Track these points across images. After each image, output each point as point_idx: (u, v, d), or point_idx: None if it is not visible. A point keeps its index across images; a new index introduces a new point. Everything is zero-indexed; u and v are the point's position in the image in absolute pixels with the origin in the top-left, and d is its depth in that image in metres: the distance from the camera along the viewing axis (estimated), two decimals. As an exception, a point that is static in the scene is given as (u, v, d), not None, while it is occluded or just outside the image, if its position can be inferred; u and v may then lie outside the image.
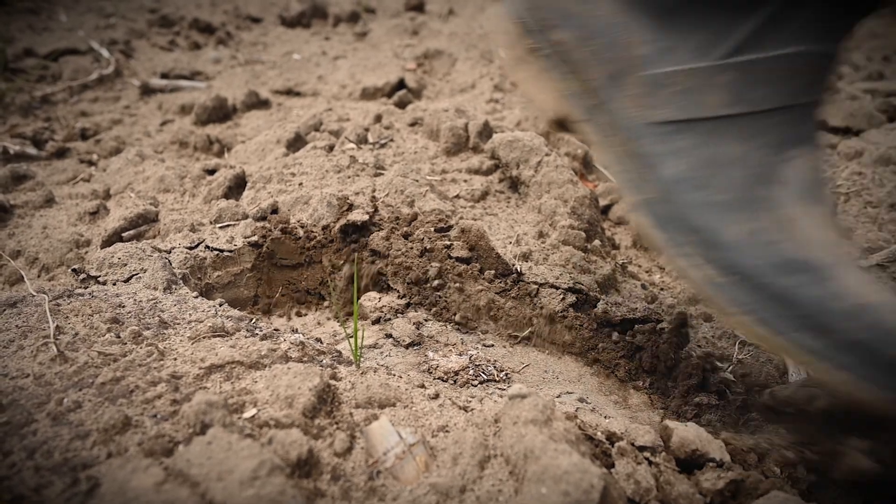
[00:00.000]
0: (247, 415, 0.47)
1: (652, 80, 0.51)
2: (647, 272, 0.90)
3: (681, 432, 0.51)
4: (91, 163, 1.13)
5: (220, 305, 0.66)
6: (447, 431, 0.49)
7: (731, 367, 0.71)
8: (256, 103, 1.41)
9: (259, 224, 0.85)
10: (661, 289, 0.85)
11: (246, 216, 0.88)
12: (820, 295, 0.46)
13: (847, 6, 0.50)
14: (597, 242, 0.86)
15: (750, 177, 0.49)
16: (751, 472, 0.50)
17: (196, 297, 0.68)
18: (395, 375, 0.57)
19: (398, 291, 0.78)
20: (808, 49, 0.49)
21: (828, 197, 0.52)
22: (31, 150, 1.12)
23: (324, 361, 0.58)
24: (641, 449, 0.50)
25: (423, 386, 0.56)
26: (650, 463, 0.50)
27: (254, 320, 0.65)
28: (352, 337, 0.58)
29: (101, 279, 0.73)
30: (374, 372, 0.57)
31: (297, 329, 0.68)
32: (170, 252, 0.78)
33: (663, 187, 0.51)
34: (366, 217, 0.82)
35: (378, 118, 1.23)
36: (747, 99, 0.49)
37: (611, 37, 0.53)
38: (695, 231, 0.49)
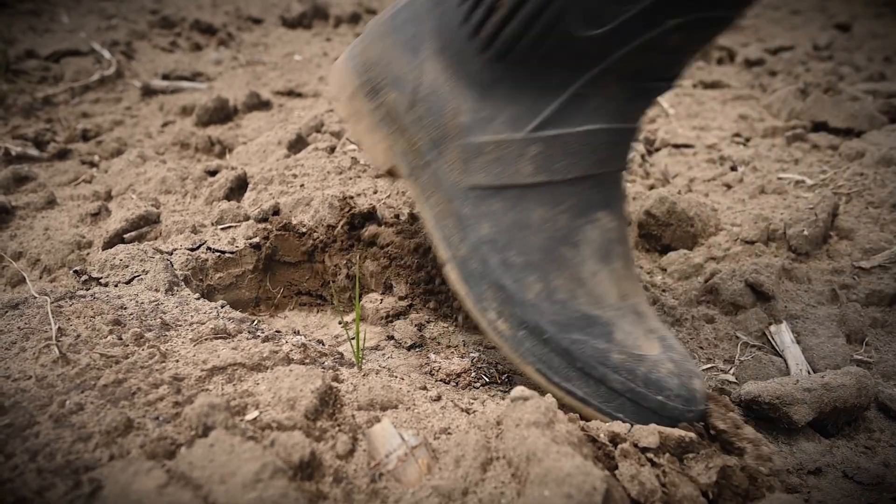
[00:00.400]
0: (249, 417, 0.47)
1: (471, 148, 0.56)
2: (648, 274, 0.89)
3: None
4: (92, 164, 1.13)
5: (222, 307, 0.66)
6: (449, 433, 0.49)
7: (732, 370, 0.71)
8: (258, 104, 1.41)
9: (261, 225, 0.85)
10: (663, 290, 0.85)
11: (247, 217, 0.88)
12: (602, 348, 0.52)
13: (643, 90, 0.56)
14: (598, 244, 0.86)
15: (552, 239, 0.54)
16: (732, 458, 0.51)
17: (198, 298, 0.68)
18: (397, 377, 0.57)
19: (400, 292, 0.78)
20: (608, 126, 0.55)
21: (625, 253, 0.58)
22: (33, 152, 1.12)
23: (326, 363, 0.58)
24: (644, 450, 0.50)
25: (425, 388, 0.56)
26: (654, 464, 0.50)
27: (255, 322, 0.65)
28: (353, 339, 0.58)
29: (102, 280, 0.73)
30: (376, 374, 0.57)
31: (298, 331, 0.68)
32: (171, 254, 0.78)
33: (473, 247, 0.55)
34: (368, 218, 0.82)
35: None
36: (552, 169, 0.54)
37: (437, 104, 0.58)
38: (497, 288, 0.53)
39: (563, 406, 0.53)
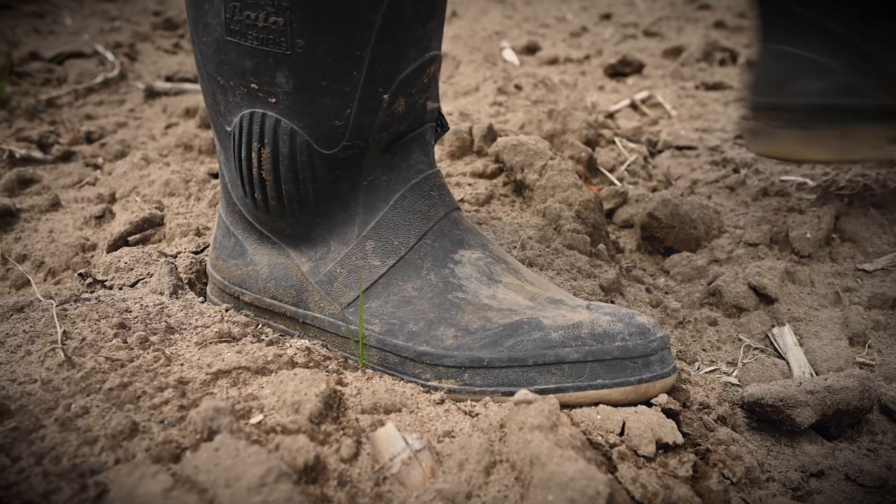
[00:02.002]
0: (253, 421, 0.47)
1: (324, 283, 0.61)
2: (651, 276, 0.90)
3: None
4: (96, 166, 1.13)
5: (227, 311, 0.66)
6: (453, 437, 0.49)
7: (735, 372, 0.71)
8: (261, 106, 1.41)
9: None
10: (666, 292, 0.85)
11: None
12: (539, 336, 0.54)
13: (416, 141, 0.61)
14: (601, 246, 0.86)
15: (435, 296, 0.58)
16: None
17: (202, 302, 0.68)
18: (400, 380, 0.57)
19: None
20: (409, 186, 0.61)
21: (509, 269, 0.61)
22: (37, 154, 1.12)
23: (330, 367, 0.58)
24: (639, 454, 0.50)
25: (428, 391, 0.56)
26: (650, 466, 0.50)
27: (259, 326, 0.65)
28: (356, 339, 0.59)
29: (107, 283, 0.74)
30: (380, 377, 0.57)
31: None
32: (175, 257, 0.78)
33: (380, 344, 0.59)
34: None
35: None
36: (394, 248, 0.60)
37: (280, 273, 0.64)
38: (419, 357, 0.56)
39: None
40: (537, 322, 0.55)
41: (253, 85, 0.55)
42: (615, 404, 0.53)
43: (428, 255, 0.60)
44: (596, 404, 0.53)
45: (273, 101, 0.55)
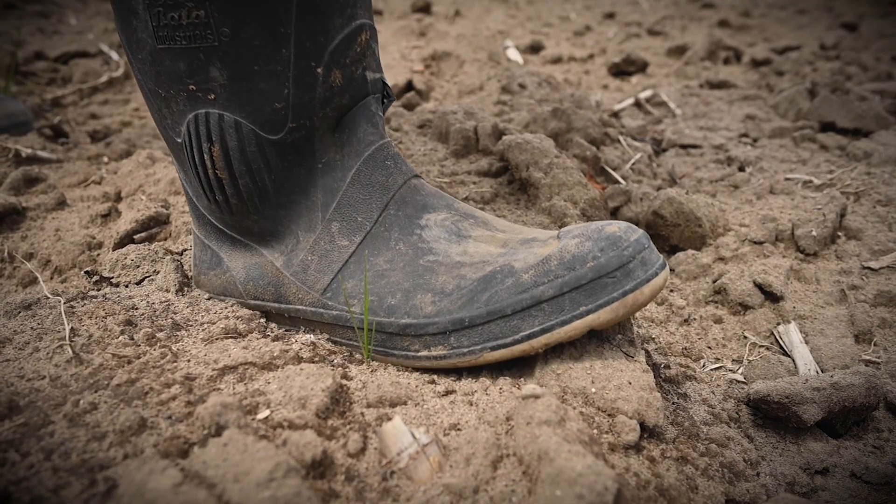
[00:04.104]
0: (260, 416, 0.47)
1: (299, 273, 0.61)
2: (656, 274, 0.90)
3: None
4: (102, 165, 1.14)
5: (231, 306, 0.66)
6: (459, 430, 0.50)
7: (740, 369, 0.71)
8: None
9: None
10: (671, 290, 0.85)
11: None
12: (511, 281, 0.53)
13: (363, 114, 0.61)
14: (606, 244, 0.86)
15: (407, 264, 0.58)
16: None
17: (208, 298, 0.68)
18: (405, 371, 0.57)
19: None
20: (362, 160, 0.61)
21: (478, 222, 0.61)
22: (43, 153, 1.13)
23: (335, 361, 0.58)
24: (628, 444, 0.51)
25: (433, 382, 0.56)
26: (641, 454, 0.50)
27: (265, 320, 0.65)
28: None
29: (113, 280, 0.74)
30: (385, 368, 0.57)
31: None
32: (181, 254, 0.79)
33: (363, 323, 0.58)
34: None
35: (386, 120, 1.24)
36: (359, 224, 0.60)
37: (255, 273, 0.65)
38: (404, 331, 0.56)
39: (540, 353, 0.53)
40: (509, 268, 0.54)
41: (191, 86, 0.56)
42: (608, 325, 0.52)
43: (394, 225, 0.60)
44: (590, 332, 0.51)
45: (212, 97, 0.56)
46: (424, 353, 0.56)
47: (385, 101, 0.65)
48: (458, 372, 0.57)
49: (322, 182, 0.61)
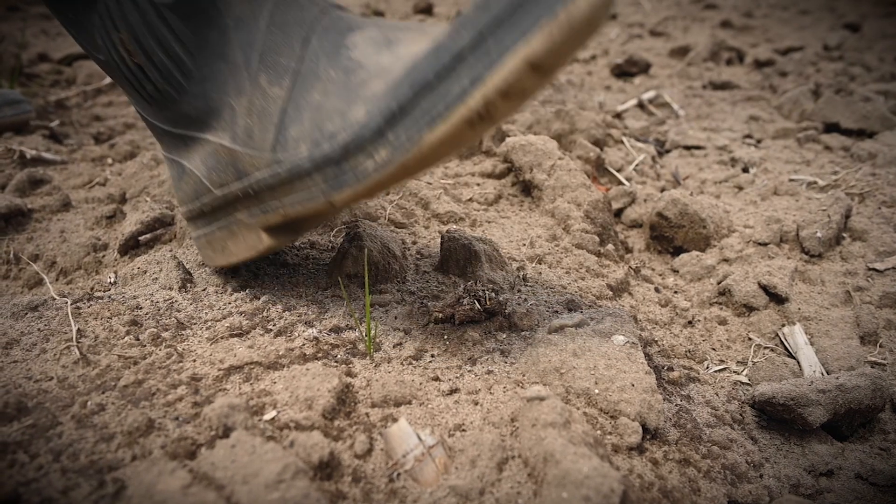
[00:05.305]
0: (267, 417, 0.48)
1: (241, 109, 0.60)
2: (660, 276, 0.90)
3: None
4: (106, 167, 1.14)
5: (235, 300, 0.66)
6: (464, 430, 0.50)
7: (745, 371, 0.71)
8: (269, 107, 1.42)
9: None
10: (675, 292, 0.85)
11: (261, 220, 0.88)
12: (427, 50, 0.48)
13: None
14: (610, 246, 0.86)
15: (340, 87, 0.54)
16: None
17: (211, 293, 0.68)
18: (409, 366, 0.57)
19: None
20: None
21: (401, 32, 0.56)
22: (47, 155, 1.13)
23: (338, 356, 0.58)
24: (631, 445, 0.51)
25: (437, 379, 0.56)
26: (643, 455, 0.50)
27: (266, 312, 0.65)
28: (363, 319, 0.59)
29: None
30: (388, 363, 0.57)
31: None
32: (186, 254, 0.79)
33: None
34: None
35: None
36: (285, 70, 0.57)
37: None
38: (346, 145, 0.52)
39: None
40: (430, 42, 0.49)
41: None
42: (550, 57, 0.42)
43: (320, 55, 0.56)
44: (532, 67, 0.42)
45: None
46: (371, 163, 0.50)
47: None
48: (458, 368, 0.58)
49: (237, 39, 0.59)
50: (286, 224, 0.61)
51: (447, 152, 0.49)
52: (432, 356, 0.60)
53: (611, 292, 0.77)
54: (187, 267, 0.74)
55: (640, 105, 1.57)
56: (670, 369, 0.67)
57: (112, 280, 0.75)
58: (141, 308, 0.65)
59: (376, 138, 0.50)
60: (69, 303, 0.63)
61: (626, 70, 1.86)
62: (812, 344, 0.73)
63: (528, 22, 0.42)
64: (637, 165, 1.16)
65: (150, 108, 0.65)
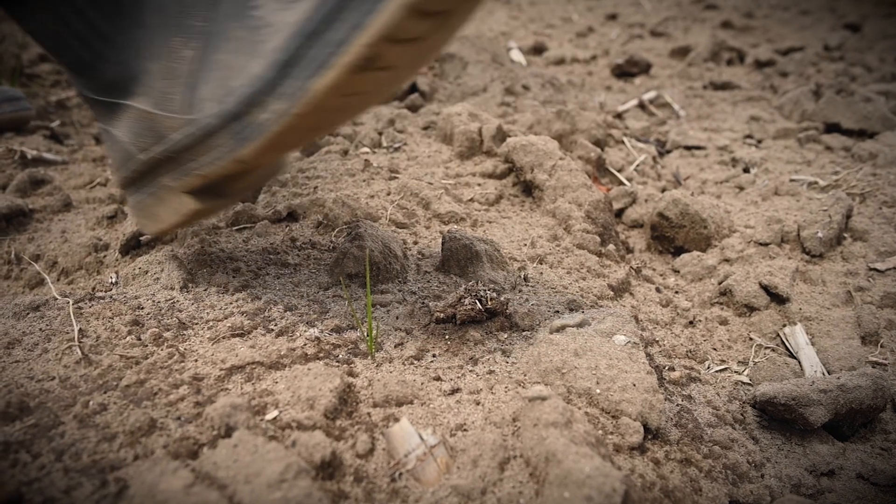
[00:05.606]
0: (269, 416, 0.48)
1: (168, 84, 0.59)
2: (661, 276, 0.90)
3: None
4: (107, 167, 1.14)
5: (236, 300, 0.66)
6: (465, 430, 0.50)
7: (746, 371, 0.71)
8: (269, 107, 1.42)
9: (274, 226, 0.85)
10: (676, 292, 0.85)
11: (262, 219, 0.88)
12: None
13: None
14: (611, 246, 0.87)
15: (246, 46, 0.53)
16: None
17: (213, 293, 0.68)
18: (410, 366, 0.57)
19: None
20: None
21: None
22: (48, 155, 1.13)
23: (340, 356, 0.58)
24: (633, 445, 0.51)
25: (438, 379, 0.56)
26: (645, 455, 0.50)
27: (267, 310, 0.65)
28: (365, 319, 0.59)
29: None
30: (390, 363, 0.57)
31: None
32: (187, 254, 0.79)
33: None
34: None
35: (391, 122, 1.24)
36: (197, 31, 0.57)
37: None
38: (250, 99, 0.52)
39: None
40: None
41: None
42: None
43: (228, 16, 0.56)
44: (412, 12, 0.41)
45: None
46: (268, 115, 0.51)
47: None
48: (460, 368, 0.58)
49: (151, 4, 0.59)
50: (208, 186, 0.61)
51: (345, 103, 0.49)
52: (434, 356, 0.60)
53: (612, 292, 0.77)
54: (189, 267, 0.74)
55: (641, 105, 1.57)
56: (671, 369, 0.67)
57: (113, 280, 0.75)
58: (142, 308, 0.65)
59: (270, 90, 0.50)
60: (71, 303, 0.63)
61: (627, 70, 1.86)
62: (813, 344, 0.73)
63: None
64: (638, 166, 1.16)
65: (79, 79, 0.66)
